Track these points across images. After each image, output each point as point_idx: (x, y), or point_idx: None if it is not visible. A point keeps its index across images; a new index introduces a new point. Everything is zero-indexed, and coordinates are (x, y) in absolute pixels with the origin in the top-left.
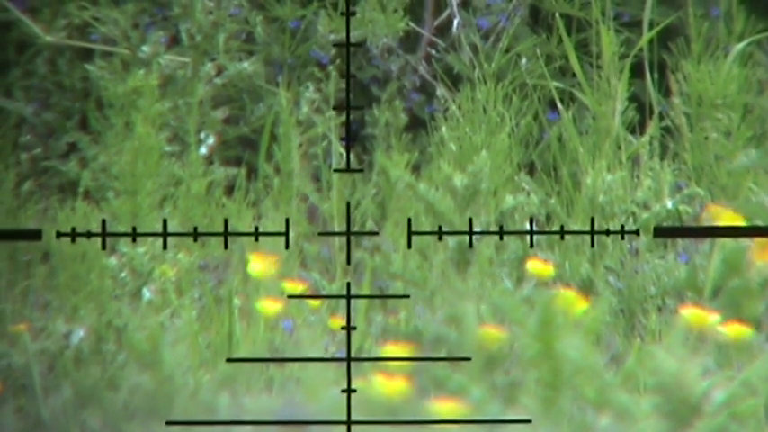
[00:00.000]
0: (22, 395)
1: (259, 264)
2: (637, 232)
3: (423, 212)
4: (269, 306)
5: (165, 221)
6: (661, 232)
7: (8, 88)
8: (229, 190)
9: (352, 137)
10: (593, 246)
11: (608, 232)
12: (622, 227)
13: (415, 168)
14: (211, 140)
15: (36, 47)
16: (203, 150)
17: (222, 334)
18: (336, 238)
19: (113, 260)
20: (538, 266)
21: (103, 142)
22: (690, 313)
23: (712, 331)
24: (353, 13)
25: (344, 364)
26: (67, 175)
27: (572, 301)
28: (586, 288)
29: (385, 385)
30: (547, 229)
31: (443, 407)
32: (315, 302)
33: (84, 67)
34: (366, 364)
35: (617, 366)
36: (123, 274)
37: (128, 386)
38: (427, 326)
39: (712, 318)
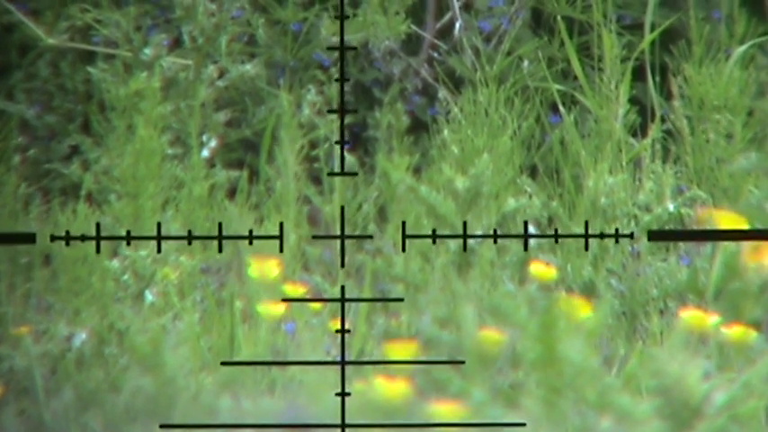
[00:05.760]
0: (23, 398)
1: (260, 267)
2: (631, 236)
3: (424, 215)
4: (270, 309)
5: (159, 225)
6: (656, 236)
7: (10, 91)
8: (231, 193)
9: (354, 139)
10: (586, 249)
11: (602, 236)
12: (617, 230)
13: (417, 171)
14: (213, 143)
15: (38, 49)
16: (205, 153)
17: (224, 337)
18: (338, 241)
19: (115, 263)
20: (540, 269)
21: (105, 145)
22: (690, 316)
23: (713, 333)
24: (348, 17)
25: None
26: (69, 178)
27: (576, 306)
28: (588, 291)
29: (386, 387)
30: (548, 233)
31: (444, 409)
32: (316, 305)
33: (86, 70)
34: (367, 366)
35: (618, 369)
36: (125, 277)
37: (129, 389)
38: (423, 328)
39: (713, 320)
